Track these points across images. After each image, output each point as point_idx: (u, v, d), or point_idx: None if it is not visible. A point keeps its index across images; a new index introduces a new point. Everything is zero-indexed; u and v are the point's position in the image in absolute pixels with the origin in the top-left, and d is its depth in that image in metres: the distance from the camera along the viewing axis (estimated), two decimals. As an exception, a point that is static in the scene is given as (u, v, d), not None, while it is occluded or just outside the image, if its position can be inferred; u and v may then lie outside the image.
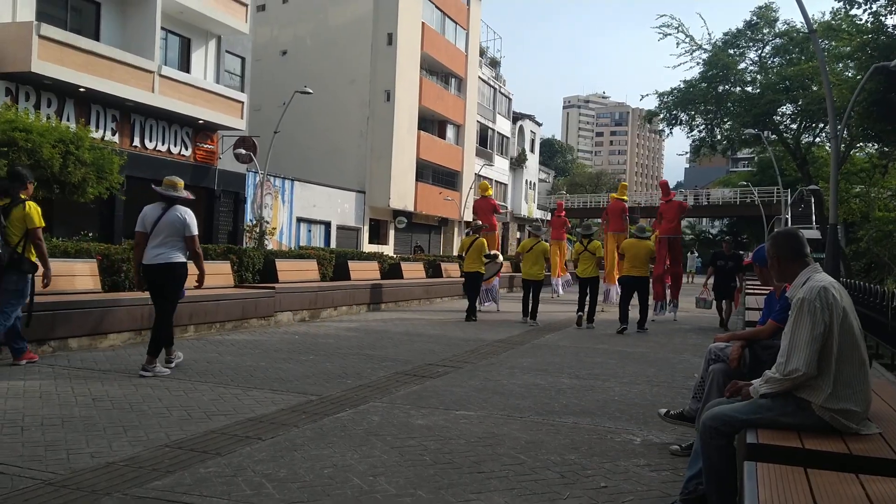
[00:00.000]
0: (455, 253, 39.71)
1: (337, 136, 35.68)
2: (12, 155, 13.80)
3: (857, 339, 3.37)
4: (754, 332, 4.89)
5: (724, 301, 14.61)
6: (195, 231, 7.22)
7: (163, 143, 22.79)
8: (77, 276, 9.10)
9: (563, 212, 23.48)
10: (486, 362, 8.83)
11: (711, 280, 14.80)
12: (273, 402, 6.12)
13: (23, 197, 7.10)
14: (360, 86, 35.79)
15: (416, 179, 38.66)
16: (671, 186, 19.08)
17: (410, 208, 38.05)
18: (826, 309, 3.28)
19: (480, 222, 15.82)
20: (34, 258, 7.09)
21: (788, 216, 43.75)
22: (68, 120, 18.88)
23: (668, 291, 16.05)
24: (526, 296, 13.88)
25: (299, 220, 31.25)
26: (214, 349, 8.94)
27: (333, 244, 32.23)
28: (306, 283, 13.54)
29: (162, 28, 22.03)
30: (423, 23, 38.19)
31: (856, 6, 17.33)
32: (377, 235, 37.39)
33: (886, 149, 17.81)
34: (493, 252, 15.46)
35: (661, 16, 71.75)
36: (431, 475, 4.28)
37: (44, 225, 7.18)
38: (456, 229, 43.75)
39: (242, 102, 24.97)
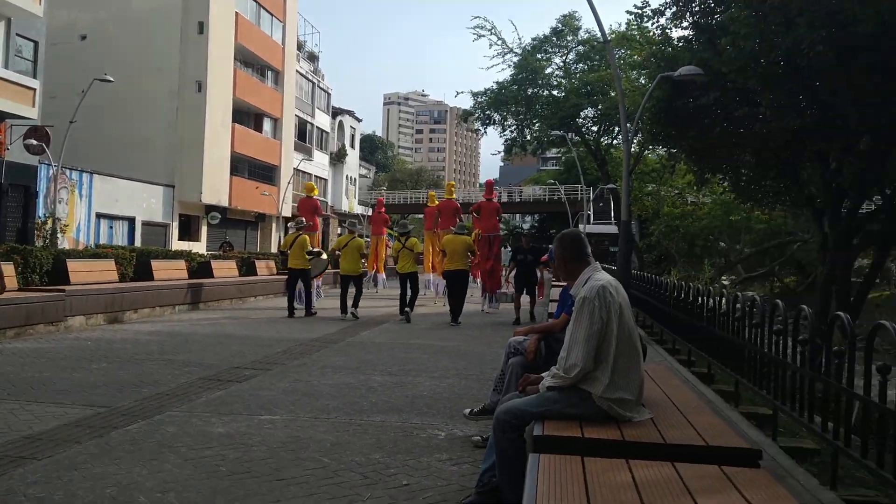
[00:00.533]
0: (274, 249, 38.71)
1: (143, 127, 33.44)
2: None
3: (632, 333, 3.62)
4: (550, 326, 5.14)
5: (525, 294, 14.37)
6: None
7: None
8: None
9: (384, 208, 23.63)
10: (297, 363, 8.64)
11: (514, 273, 14.47)
12: (55, 416, 5.59)
13: None
14: (169, 75, 33.79)
15: (231, 173, 37.21)
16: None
17: (225, 203, 36.56)
18: (604, 307, 3.49)
19: (304, 220, 15.70)
20: None
21: (591, 212, 46.98)
22: None
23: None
24: (344, 291, 14.06)
25: (99, 216, 28.99)
26: (-10, 361, 8.03)
27: (138, 242, 30.21)
28: (102, 285, 12.55)
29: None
30: (236, 13, 36.78)
31: (645, 18, 18.90)
32: (188, 232, 35.56)
33: (674, 150, 19.49)
34: (316, 249, 15.45)
35: (476, 17, 74.23)
36: (227, 487, 4.09)
37: None
38: (274, 225, 42.64)
39: (34, 89, 22.77)
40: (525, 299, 14.55)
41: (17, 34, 23.46)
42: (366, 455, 4.79)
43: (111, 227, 29.83)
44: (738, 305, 7.02)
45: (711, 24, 14.97)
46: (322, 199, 50.37)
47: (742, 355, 6.64)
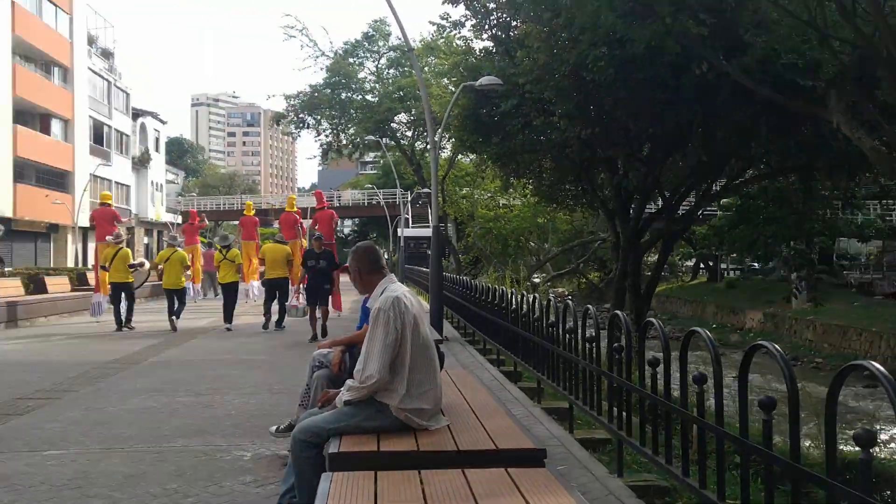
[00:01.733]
0: (70, 263, 35.70)
1: None
2: None
3: (428, 342, 3.72)
4: (353, 337, 5.15)
5: (318, 307, 12.60)
6: None
7: None
8: None
9: (197, 219, 23.28)
10: (92, 389, 8.02)
11: (305, 285, 12.88)
12: None
13: None
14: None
15: (15, 180, 33.84)
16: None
17: (9, 214, 33.15)
18: (399, 318, 3.56)
19: (122, 234, 15.28)
20: None
21: (409, 216, 47.74)
22: None
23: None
24: (171, 304, 14.19)
25: None
26: None
27: None
28: None
29: None
30: (12, 1, 33.46)
31: (447, 30, 19.53)
32: (-35, 247, 31.87)
33: (483, 156, 20.29)
34: (139, 260, 15.57)
35: (287, 15, 70.58)
36: (-2, 538, 3.72)
37: None
38: (70, 236, 39.28)
39: None
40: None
41: None
42: (163, 485, 4.55)
43: None
44: (536, 306, 7.45)
45: (509, 38, 15.76)
46: (125, 206, 47.21)
47: (542, 353, 7.05)
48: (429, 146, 16.91)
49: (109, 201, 17.66)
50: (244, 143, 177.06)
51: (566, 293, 37.65)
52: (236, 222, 64.70)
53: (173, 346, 11.91)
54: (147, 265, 15.81)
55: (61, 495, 4.35)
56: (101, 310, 15.96)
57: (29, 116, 36.16)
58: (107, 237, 15.20)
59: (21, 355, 10.94)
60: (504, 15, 15.88)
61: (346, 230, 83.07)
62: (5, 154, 32.83)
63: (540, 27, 12.96)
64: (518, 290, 10.38)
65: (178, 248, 14.91)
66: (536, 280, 39.76)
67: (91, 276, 22.17)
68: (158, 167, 57.65)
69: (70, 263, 36.40)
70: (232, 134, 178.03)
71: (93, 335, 13.71)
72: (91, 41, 44.49)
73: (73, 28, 39.80)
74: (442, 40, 30.22)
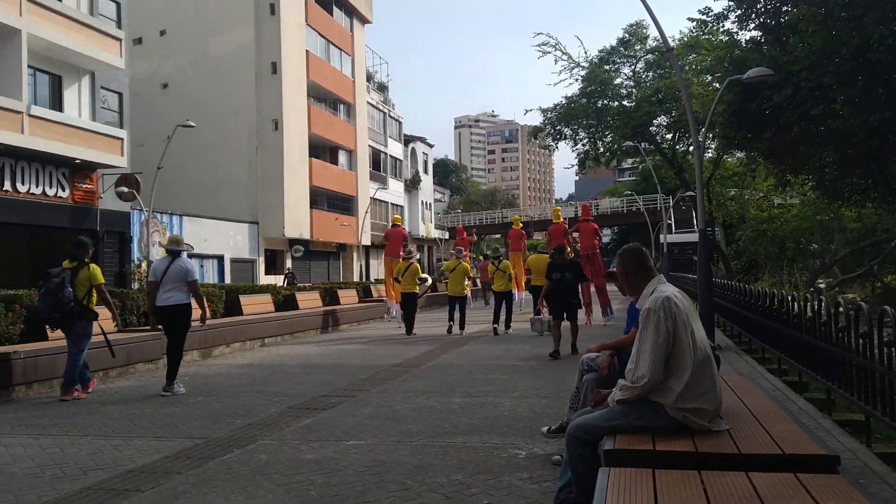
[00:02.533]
0: (356, 278, 39.54)
1: (226, 167, 34.93)
2: None
3: (702, 342, 3.63)
4: (620, 341, 5.16)
5: (567, 321, 11.60)
6: (195, 276, 9.24)
7: (37, 186, 21.70)
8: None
9: (465, 233, 25.11)
10: (380, 389, 8.86)
11: (548, 296, 11.77)
12: (156, 449, 5.94)
13: (86, 260, 8.88)
14: (246, 116, 35.23)
15: (311, 207, 38.31)
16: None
17: (307, 236, 37.63)
18: (669, 317, 3.53)
19: (412, 249, 18.56)
20: (94, 307, 8.79)
21: (672, 221, 46.00)
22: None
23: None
24: (451, 309, 16.07)
25: (190, 255, 30.29)
26: (97, 398, 8.57)
27: (228, 278, 31.44)
28: (195, 322, 13.12)
29: (29, 66, 21.05)
30: (307, 51, 38.07)
31: (709, 25, 18.58)
32: (274, 266, 36.73)
33: (753, 154, 19.01)
34: (424, 275, 18.52)
35: (538, 34, 73.13)
36: (316, 510, 4.28)
37: (104, 281, 9.08)
38: (355, 254, 43.54)
39: (122, 139, 24.14)
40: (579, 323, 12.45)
41: (102, 87, 24.96)
42: (448, 476, 4.91)
43: (202, 266, 31.13)
44: (822, 310, 6.84)
45: (779, 24, 14.62)
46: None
47: (832, 361, 6.46)
48: (691, 147, 16.25)
49: (400, 223, 20.26)
50: (503, 159, 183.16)
51: (857, 299, 33.67)
52: (498, 235, 67.36)
53: (447, 351, 12.70)
54: (430, 280, 17.92)
55: (363, 479, 4.89)
56: (393, 315, 18.76)
57: (321, 150, 40.83)
58: (399, 253, 17.79)
59: (321, 358, 12.37)
60: (773, 1, 14.79)
61: (606, 239, 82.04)
62: (304, 184, 37.36)
63: (815, 9, 11.88)
64: (800, 295, 9.63)
65: (462, 261, 16.43)
66: (821, 285, 36.06)
67: (374, 289, 24.52)
68: (427, 187, 61.81)
69: (355, 278, 40.34)
70: (492, 151, 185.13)
71: (377, 341, 15.09)
72: (369, 77, 49.13)
73: (354, 68, 44.32)
74: (704, 36, 28.85)
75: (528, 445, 5.73)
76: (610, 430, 3.51)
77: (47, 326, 9.18)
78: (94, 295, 8.82)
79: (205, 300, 9.51)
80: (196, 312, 9.30)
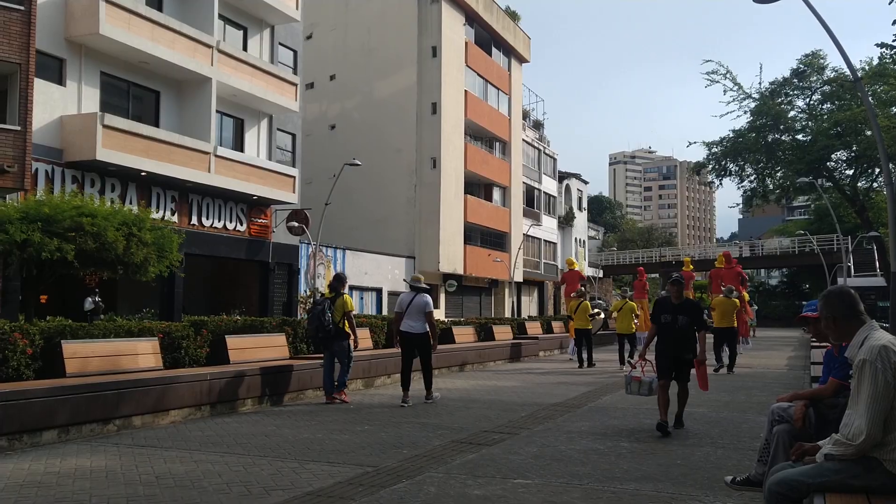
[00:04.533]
0: (507, 314, 39.55)
1: (386, 203, 36.32)
2: (79, 239, 14.43)
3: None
4: (817, 391, 4.76)
5: (675, 380, 8.68)
6: (432, 308, 10.94)
7: (219, 220, 23.52)
8: (140, 354, 9.38)
9: (645, 276, 24.21)
10: (542, 427, 8.71)
11: (654, 346, 8.74)
12: (330, 474, 6.14)
13: (342, 291, 11.12)
14: (407, 154, 36.55)
15: (465, 242, 38.90)
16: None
17: (460, 271, 38.19)
18: (888, 368, 3.21)
19: (583, 288, 19.84)
20: (347, 329, 10.96)
21: (851, 264, 42.52)
22: (131, 203, 19.69)
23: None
24: (621, 347, 17.43)
25: (351, 288, 31.62)
26: (272, 422, 9.03)
27: (385, 310, 32.45)
28: (359, 352, 13.60)
29: (217, 111, 23.00)
30: (465, 91, 39.04)
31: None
32: (429, 300, 37.44)
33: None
34: (596, 311, 19.73)
35: (707, 61, 61.90)
36: (491, 549, 4.22)
37: (354, 308, 11.31)
38: (507, 290, 43.62)
39: (294, 177, 25.72)
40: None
41: (278, 129, 26.86)
42: (624, 524, 4.70)
43: (362, 298, 32.38)
44: None
45: None
46: (552, 262, 50.92)
47: None
48: (874, 184, 14.95)
49: (575, 266, 21.49)
50: (660, 196, 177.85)
51: None
52: (656, 275, 65.12)
53: (609, 392, 12.32)
54: (602, 315, 19.15)
55: (535, 520, 4.79)
56: (572, 351, 19.47)
57: (475, 186, 41.53)
58: (570, 294, 19.45)
59: (479, 393, 12.38)
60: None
61: (773, 281, 77.27)
62: (458, 220, 38.10)
63: None
64: None
65: (629, 300, 18.03)
66: None
67: (528, 326, 24.40)
68: (581, 224, 61.05)
69: (507, 314, 40.35)
70: (648, 188, 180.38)
71: (535, 377, 14.88)
72: (525, 115, 49.59)
73: (511, 106, 44.94)
74: (889, 64, 26.76)
75: (709, 498, 5.39)
76: (819, 488, 3.21)
77: (312, 345, 11.76)
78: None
79: (436, 328, 11.29)
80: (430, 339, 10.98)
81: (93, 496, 5.34)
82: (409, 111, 36.77)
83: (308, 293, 24.66)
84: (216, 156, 22.13)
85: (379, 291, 33.61)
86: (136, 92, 21.44)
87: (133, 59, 20.50)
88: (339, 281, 11.37)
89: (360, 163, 25.06)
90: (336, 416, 9.63)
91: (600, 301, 21.73)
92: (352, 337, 11.13)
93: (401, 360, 11.04)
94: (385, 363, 13.80)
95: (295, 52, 27.87)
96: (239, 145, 24.93)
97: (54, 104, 18.57)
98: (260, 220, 25.33)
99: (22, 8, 16.67)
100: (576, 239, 58.67)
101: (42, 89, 17.86)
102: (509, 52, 45.31)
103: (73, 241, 14.41)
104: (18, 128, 16.56)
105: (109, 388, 8.01)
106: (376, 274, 33.22)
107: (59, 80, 18.94)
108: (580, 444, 7.61)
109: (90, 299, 18.20)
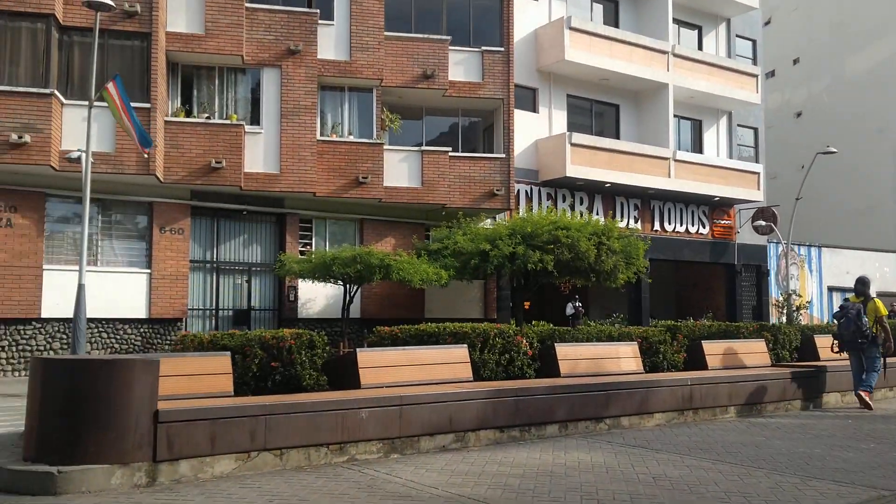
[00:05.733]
0: None
1: (866, 193, 32.08)
2: (556, 251, 15.87)
3: None
4: None
5: None
6: None
7: (681, 224, 23.53)
8: (622, 358, 9.83)
9: None
10: None
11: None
12: (839, 494, 5.59)
13: (871, 295, 10.82)
14: (891, 134, 31.77)
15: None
16: None
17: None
18: None
19: None
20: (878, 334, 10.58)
21: None
22: (598, 214, 20.95)
23: None
24: None
25: (831, 289, 28.59)
26: (760, 432, 8.60)
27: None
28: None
29: (674, 115, 23.11)
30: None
31: None
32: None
33: None
34: None
35: None
36: None
37: (887, 312, 10.82)
38: None
39: (758, 173, 24.44)
40: None
41: (738, 125, 25.74)
42: None
43: (846, 299, 29.03)
44: None
45: None
46: None
47: None
48: None
49: None
50: None
51: None
52: None
53: None
54: None
55: None
56: None
57: None
58: None
59: None
60: None
61: None
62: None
63: None
64: None
65: None
66: None
67: None
68: None
69: None
70: None
71: None
72: None
73: None
74: None
75: None
76: None
77: (839, 349, 10.86)
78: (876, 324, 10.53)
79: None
80: None
81: (598, 489, 5.74)
82: (891, 84, 31.97)
83: (783, 296, 23.03)
84: (675, 160, 22.22)
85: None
86: (597, 108, 22.78)
87: (594, 78, 21.82)
88: (863, 284, 11.00)
89: (835, 150, 22.61)
90: (832, 431, 8.75)
91: None
92: (889, 342, 10.61)
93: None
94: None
95: (753, 42, 26.56)
96: (698, 147, 24.66)
97: (530, 130, 20.76)
98: (723, 222, 24.63)
99: (502, 49, 19.06)
100: None
101: (520, 118, 20.12)
102: None
103: (552, 252, 15.92)
104: (503, 155, 18.93)
105: (598, 388, 8.55)
106: (859, 273, 29.40)
107: (533, 108, 21.15)
108: None
109: (571, 305, 19.84)
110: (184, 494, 5.47)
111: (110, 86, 11.95)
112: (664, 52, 22.47)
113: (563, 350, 9.48)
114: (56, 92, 14.23)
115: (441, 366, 8.42)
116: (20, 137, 13.75)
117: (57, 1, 14.27)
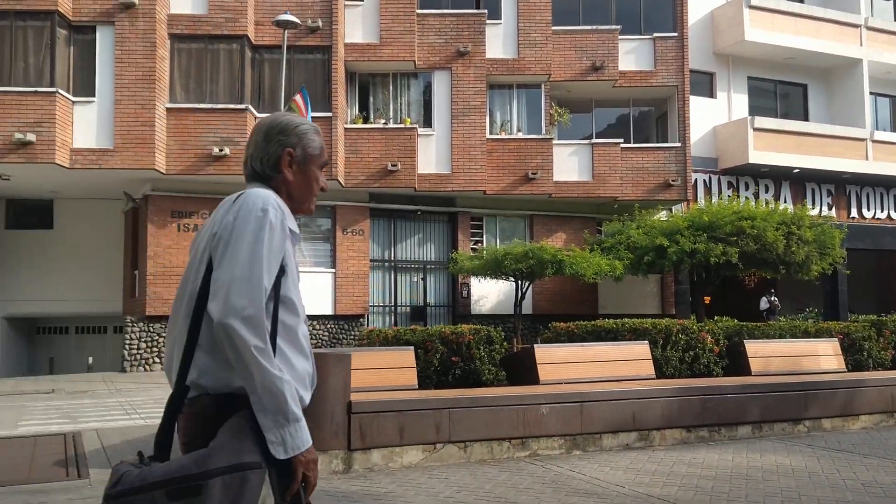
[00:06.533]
0: None
1: None
2: (741, 242, 15.00)
3: None
4: None
5: None
6: None
7: (881, 210, 21.49)
8: (821, 355, 9.12)
9: None
10: None
11: None
12: None
13: None
14: None
15: None
16: None
17: None
18: None
19: None
20: None
21: None
22: (785, 202, 19.56)
23: None
24: None
25: None
26: None
27: None
28: None
29: (870, 93, 21.11)
30: None
31: None
32: None
33: None
34: None
35: None
36: None
37: None
38: None
39: None
40: None
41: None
42: None
43: None
44: None
45: None
46: None
47: None
48: None
49: None
50: None
51: None
52: None
53: None
54: None
55: None
56: None
57: None
58: None
59: None
60: None
61: None
62: None
63: None
64: None
65: None
66: None
67: None
68: None
69: None
70: None
71: None
72: None
73: None
74: None
75: None
76: None
77: None
78: None
79: None
80: None
81: (801, 495, 5.35)
82: None
83: None
84: (873, 141, 20.32)
85: None
86: (782, 90, 21.30)
87: (778, 58, 20.42)
88: None
89: None
90: None
91: None
92: None
93: None
94: None
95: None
96: (897, 125, 22.36)
97: (707, 117, 19.77)
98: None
99: (675, 34, 18.30)
100: None
101: (695, 105, 19.21)
102: None
103: (735, 244, 15.07)
104: (679, 144, 18.17)
105: (795, 388, 7.97)
106: None
107: (710, 93, 20.14)
108: None
109: (765, 299, 18.69)
110: (377, 482, 5.74)
111: (297, 97, 12.77)
112: (856, 26, 20.58)
113: (754, 347, 8.95)
114: (250, 107, 15.42)
115: (621, 362, 8.23)
116: (220, 150, 15.06)
117: (249, 22, 15.47)
